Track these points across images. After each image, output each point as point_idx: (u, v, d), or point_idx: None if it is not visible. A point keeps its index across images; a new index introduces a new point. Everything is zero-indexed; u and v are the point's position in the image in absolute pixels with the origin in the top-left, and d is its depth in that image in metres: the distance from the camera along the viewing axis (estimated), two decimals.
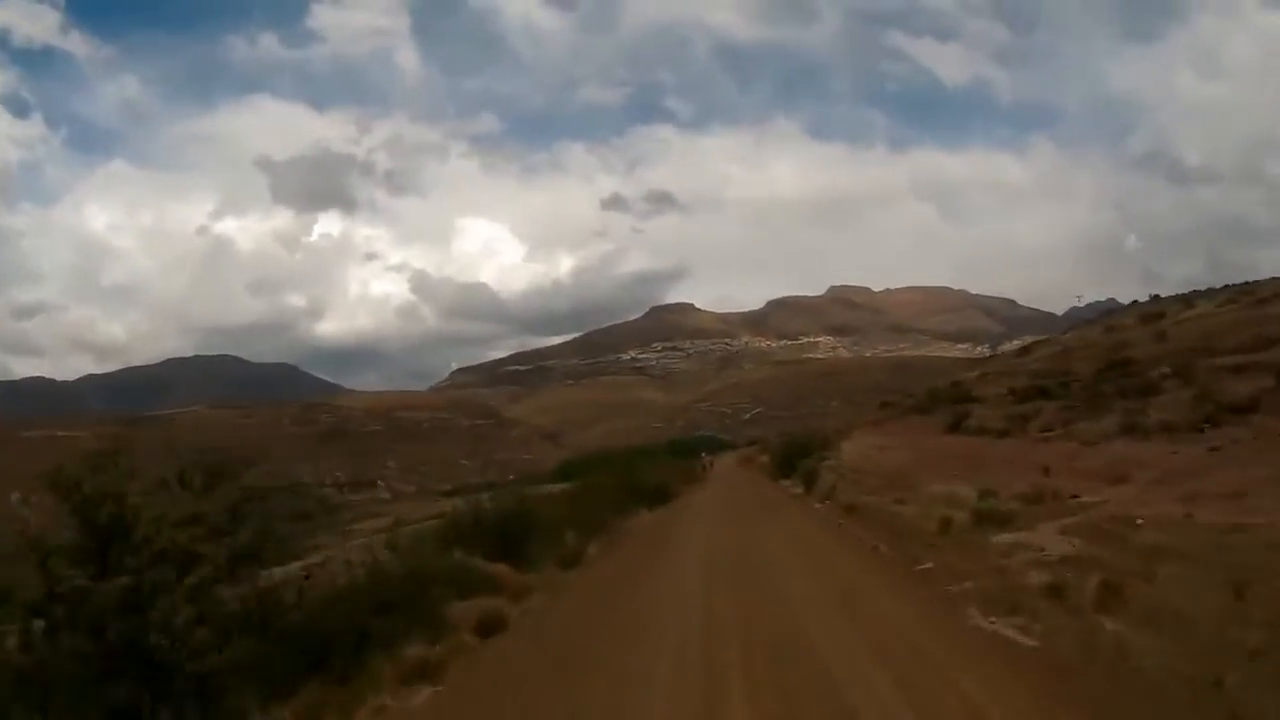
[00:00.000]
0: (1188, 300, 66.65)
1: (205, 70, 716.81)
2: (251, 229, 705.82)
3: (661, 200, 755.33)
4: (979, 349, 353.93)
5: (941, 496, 17.70)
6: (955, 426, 31.74)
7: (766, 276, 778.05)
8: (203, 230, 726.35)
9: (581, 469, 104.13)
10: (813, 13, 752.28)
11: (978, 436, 28.36)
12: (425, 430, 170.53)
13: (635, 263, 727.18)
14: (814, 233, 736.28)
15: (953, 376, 78.37)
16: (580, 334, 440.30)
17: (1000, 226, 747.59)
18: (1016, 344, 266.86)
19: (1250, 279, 66.65)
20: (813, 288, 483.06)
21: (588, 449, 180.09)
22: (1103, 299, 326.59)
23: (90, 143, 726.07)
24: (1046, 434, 24.52)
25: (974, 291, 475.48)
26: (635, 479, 33.65)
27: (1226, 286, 68.06)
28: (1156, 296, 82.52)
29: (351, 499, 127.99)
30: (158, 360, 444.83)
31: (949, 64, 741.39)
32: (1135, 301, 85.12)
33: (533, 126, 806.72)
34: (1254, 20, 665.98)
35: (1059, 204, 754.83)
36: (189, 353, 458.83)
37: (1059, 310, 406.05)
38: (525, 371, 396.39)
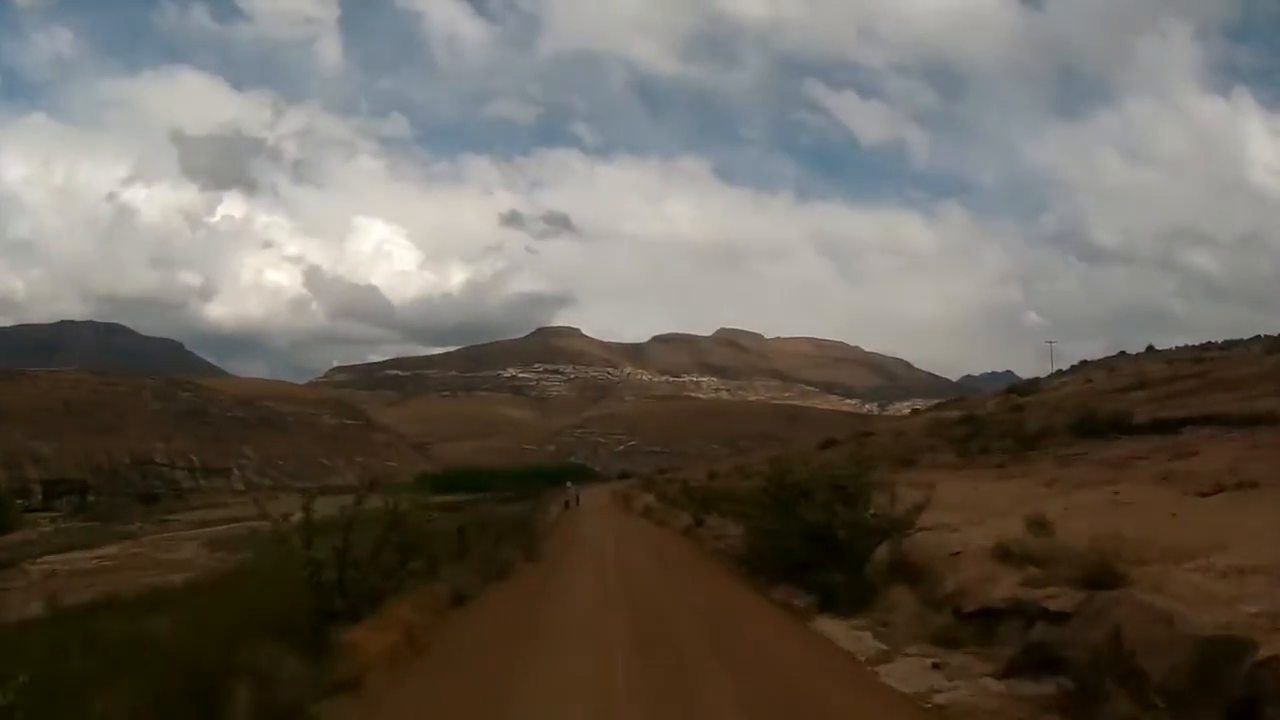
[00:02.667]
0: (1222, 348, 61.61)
1: (135, 33, 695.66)
2: (158, 201, 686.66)
3: (559, 223, 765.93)
4: (868, 406, 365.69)
5: None
6: None
7: (655, 312, 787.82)
8: (112, 196, 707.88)
9: (446, 483, 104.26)
10: (735, 56, 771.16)
11: None
12: (290, 423, 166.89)
13: (526, 283, 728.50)
14: (709, 274, 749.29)
15: (851, 428, 75.61)
16: (463, 346, 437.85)
17: (901, 289, 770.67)
18: (908, 405, 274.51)
19: None
20: (701, 328, 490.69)
21: (454, 463, 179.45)
22: (1000, 370, 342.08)
23: (16, 92, 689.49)
24: None
25: (868, 349, 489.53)
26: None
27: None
28: (1123, 353, 78.48)
29: (203, 485, 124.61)
30: (54, 321, 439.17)
31: (868, 121, 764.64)
32: (1109, 356, 79.24)
33: (441, 135, 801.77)
34: (1186, 107, 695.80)
35: (963, 273, 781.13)
36: (84, 317, 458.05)
37: (954, 376, 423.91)
38: (403, 378, 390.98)
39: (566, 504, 53.26)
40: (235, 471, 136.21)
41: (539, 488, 79.58)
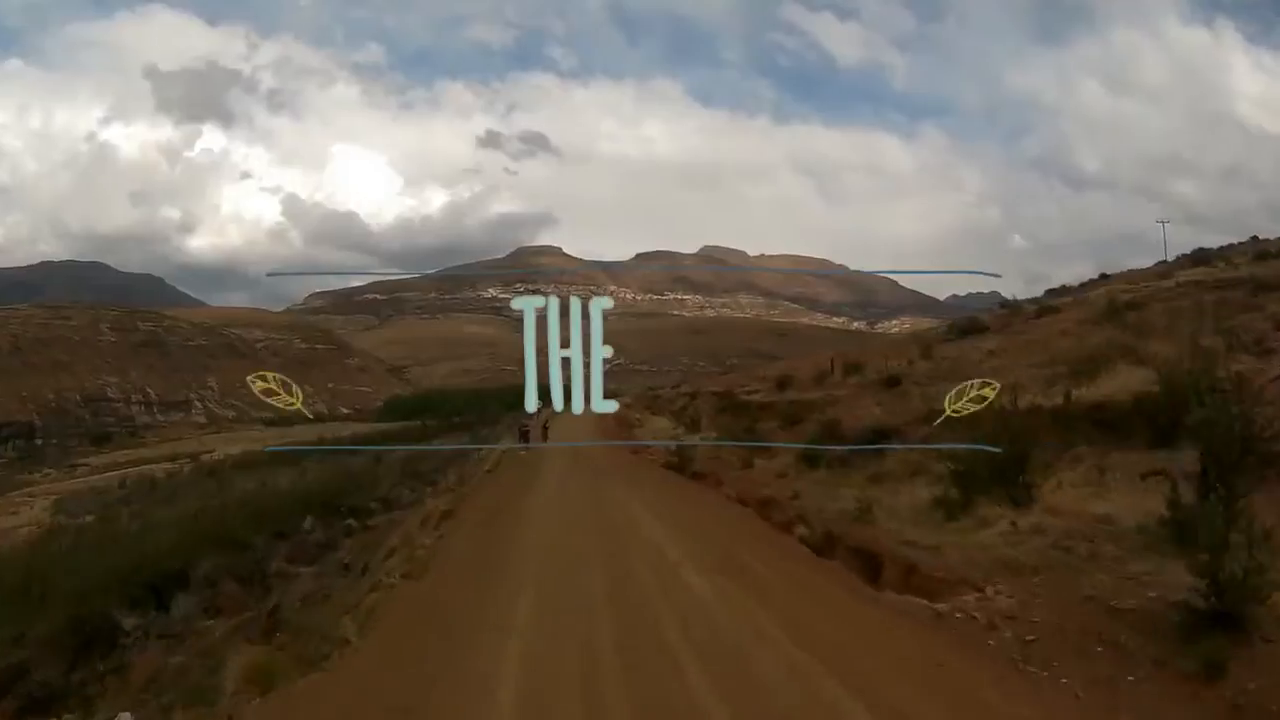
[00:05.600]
0: None
1: None
2: (136, 138, 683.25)
3: (537, 143, 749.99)
4: (855, 324, 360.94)
5: None
6: None
7: (636, 232, 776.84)
8: (90, 137, 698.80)
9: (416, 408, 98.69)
10: None
11: None
12: (258, 351, 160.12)
13: (506, 204, 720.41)
14: (690, 194, 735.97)
15: (835, 346, 68.94)
16: (442, 269, 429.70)
17: (882, 210, 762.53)
18: (896, 323, 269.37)
19: None
20: (684, 247, 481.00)
21: (432, 387, 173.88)
22: (985, 291, 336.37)
23: None
24: None
25: (852, 268, 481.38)
26: None
27: None
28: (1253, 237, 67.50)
29: (160, 419, 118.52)
30: (34, 263, 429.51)
31: (845, 43, 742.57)
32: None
33: (417, 61, 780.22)
34: (1169, 38, 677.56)
35: (944, 195, 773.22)
36: (64, 257, 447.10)
37: (940, 295, 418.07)
38: (381, 301, 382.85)
39: (525, 435, 32.61)
40: (196, 404, 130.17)
41: (500, 411, 69.71)
